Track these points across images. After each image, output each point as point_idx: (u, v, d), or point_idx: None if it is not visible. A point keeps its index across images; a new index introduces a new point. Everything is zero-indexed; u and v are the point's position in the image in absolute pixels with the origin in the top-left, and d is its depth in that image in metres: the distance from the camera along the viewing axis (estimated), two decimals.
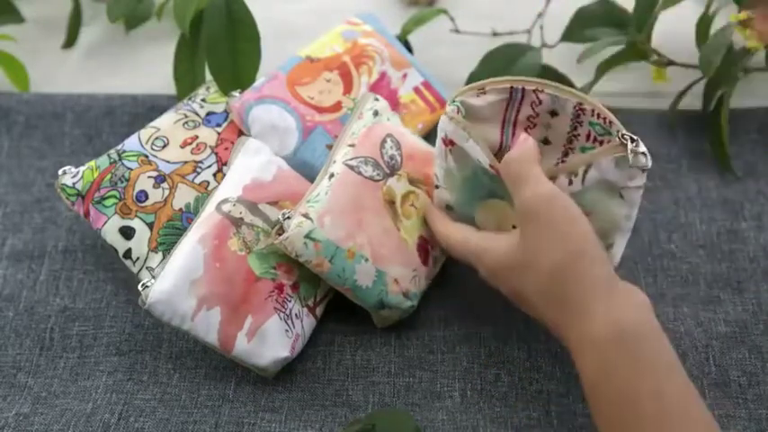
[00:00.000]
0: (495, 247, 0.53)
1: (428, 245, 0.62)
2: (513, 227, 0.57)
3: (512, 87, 0.54)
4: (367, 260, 0.58)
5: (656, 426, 0.43)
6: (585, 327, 0.46)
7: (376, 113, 0.64)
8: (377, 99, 0.65)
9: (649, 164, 0.52)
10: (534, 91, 0.53)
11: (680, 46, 0.74)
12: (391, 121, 0.65)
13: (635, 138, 0.51)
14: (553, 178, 0.53)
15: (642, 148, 0.51)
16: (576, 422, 0.57)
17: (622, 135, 0.51)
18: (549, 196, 0.49)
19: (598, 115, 0.53)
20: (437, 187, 0.60)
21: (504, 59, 0.74)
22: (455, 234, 0.57)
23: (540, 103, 0.54)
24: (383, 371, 0.60)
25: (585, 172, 0.53)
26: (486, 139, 0.55)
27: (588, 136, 0.54)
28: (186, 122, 0.66)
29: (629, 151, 0.51)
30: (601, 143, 0.54)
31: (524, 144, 0.52)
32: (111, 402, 0.59)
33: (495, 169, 0.54)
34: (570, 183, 0.53)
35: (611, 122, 0.52)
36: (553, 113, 0.54)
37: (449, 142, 0.56)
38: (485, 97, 0.55)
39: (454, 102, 0.55)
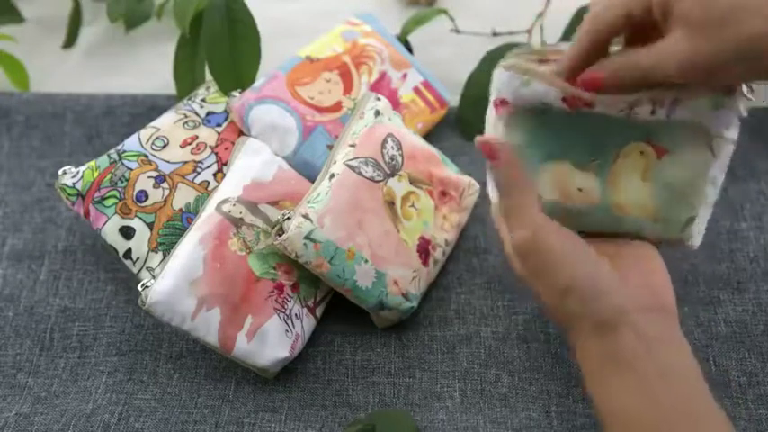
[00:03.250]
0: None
1: (428, 246, 0.62)
2: (579, 189, 0.51)
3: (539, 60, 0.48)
4: (367, 261, 0.58)
5: None
6: (581, 348, 0.48)
7: (377, 113, 0.64)
8: (378, 99, 0.65)
9: (744, 112, 0.47)
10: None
11: None
12: (393, 121, 0.65)
13: (740, 86, 0.46)
14: (633, 104, 0.47)
15: (748, 94, 0.46)
16: (577, 422, 0.57)
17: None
18: (533, 239, 0.47)
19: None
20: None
21: None
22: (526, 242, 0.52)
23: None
24: (383, 371, 0.60)
25: (674, 105, 0.46)
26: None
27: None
28: (186, 122, 0.66)
29: (726, 94, 0.45)
30: None
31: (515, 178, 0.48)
32: (111, 402, 0.59)
33: (569, 98, 0.47)
34: (653, 113, 0.47)
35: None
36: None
37: (500, 103, 0.49)
38: (547, 66, 0.48)
39: (510, 58, 0.48)
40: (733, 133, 0.48)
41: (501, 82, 0.49)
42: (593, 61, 0.45)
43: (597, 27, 0.45)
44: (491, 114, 0.51)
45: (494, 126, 0.51)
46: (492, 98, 0.50)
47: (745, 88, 0.46)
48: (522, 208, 0.48)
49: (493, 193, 0.52)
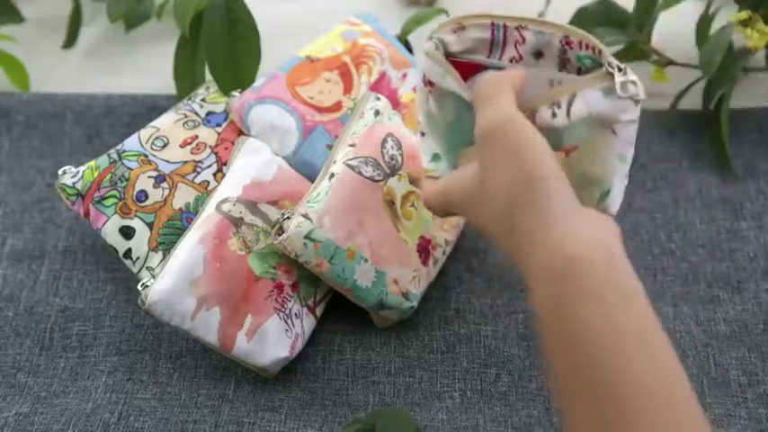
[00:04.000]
0: (459, 178, 0.49)
1: (429, 245, 0.62)
2: None
3: (493, 24, 0.50)
4: (366, 260, 0.58)
5: (609, 355, 0.39)
6: (536, 258, 0.42)
7: (377, 113, 0.64)
8: (378, 98, 0.65)
9: (641, 94, 0.47)
10: (517, 28, 0.50)
11: (680, 46, 0.74)
12: (392, 121, 0.65)
13: (622, 66, 0.47)
14: (533, 111, 0.48)
15: (631, 76, 0.47)
16: None
17: (609, 64, 0.47)
18: (507, 119, 0.44)
19: (586, 46, 0.48)
20: (423, 135, 0.56)
21: None
22: (431, 187, 0.52)
23: (524, 41, 0.50)
24: (383, 371, 0.60)
25: (570, 103, 0.47)
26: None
27: (579, 72, 0.50)
28: (186, 122, 0.66)
29: (616, 80, 0.46)
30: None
31: (508, 71, 0.48)
32: (110, 402, 0.59)
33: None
34: (554, 115, 0.48)
35: (600, 52, 0.48)
36: (538, 54, 0.51)
37: (428, 83, 0.52)
38: (464, 34, 0.51)
39: (432, 38, 0.51)
40: (631, 115, 0.48)
41: (426, 65, 0.52)
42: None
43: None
44: (421, 87, 0.53)
45: (426, 100, 0.54)
46: (420, 76, 0.53)
47: (626, 74, 0.47)
48: (499, 92, 0.46)
49: (425, 159, 0.57)
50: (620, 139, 0.50)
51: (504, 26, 0.50)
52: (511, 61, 0.51)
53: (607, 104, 0.48)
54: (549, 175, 0.43)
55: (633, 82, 0.47)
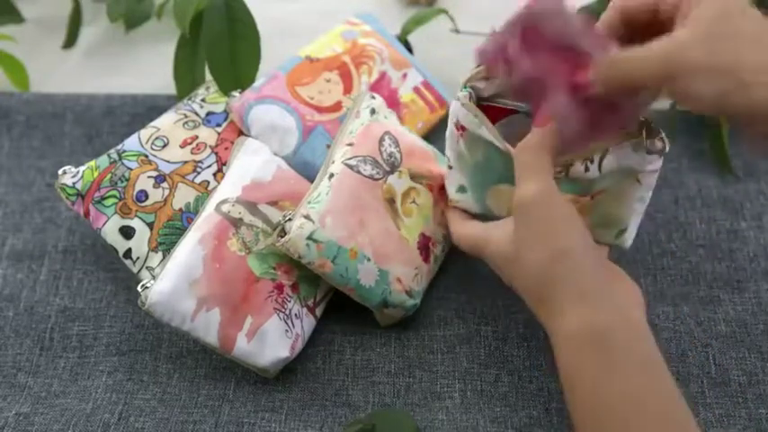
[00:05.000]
0: (496, 237, 0.53)
1: (429, 242, 0.62)
2: None
3: None
4: (369, 260, 0.58)
5: (628, 427, 0.43)
6: (564, 325, 0.46)
7: (373, 111, 0.64)
8: (373, 97, 0.65)
9: (668, 148, 0.52)
10: None
11: None
12: (388, 119, 0.65)
13: (651, 122, 0.51)
14: (568, 165, 0.52)
15: (660, 132, 0.51)
16: None
17: (642, 120, 0.51)
18: (545, 195, 0.48)
19: None
20: (450, 168, 0.60)
21: None
22: (466, 230, 0.57)
23: None
24: (383, 371, 0.60)
25: (602, 159, 0.52)
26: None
27: None
28: (186, 122, 0.66)
29: (644, 137, 0.51)
30: None
31: (542, 131, 0.49)
32: (111, 402, 0.59)
33: (509, 152, 0.53)
34: (587, 169, 0.53)
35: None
36: None
37: (460, 128, 0.56)
38: (494, 79, 0.54)
39: (465, 87, 0.54)
40: (656, 165, 0.54)
41: (460, 113, 0.55)
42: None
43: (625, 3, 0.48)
44: (453, 131, 0.57)
45: (456, 141, 0.57)
46: (452, 120, 0.56)
47: (656, 131, 0.52)
48: (539, 164, 0.48)
49: (451, 189, 0.60)
50: (642, 185, 0.54)
51: None
52: None
53: (635, 158, 0.52)
54: (580, 251, 0.47)
55: (661, 138, 0.51)
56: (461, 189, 0.60)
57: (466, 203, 0.60)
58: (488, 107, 0.56)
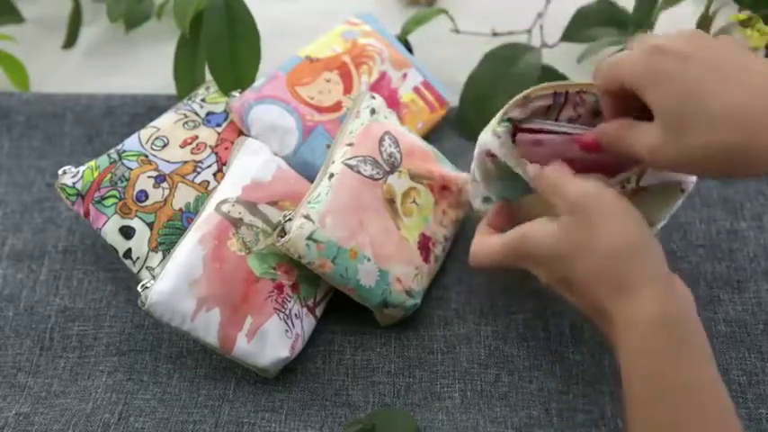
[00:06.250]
0: (535, 233, 0.50)
1: (429, 242, 0.62)
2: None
3: (555, 92, 0.53)
4: (369, 260, 0.58)
5: (686, 412, 0.44)
6: (632, 307, 0.46)
7: (373, 111, 0.64)
8: (373, 97, 0.65)
9: None
10: (578, 93, 0.53)
11: None
12: (388, 119, 0.65)
13: None
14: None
15: None
16: (577, 419, 0.57)
17: None
18: (597, 190, 0.48)
19: None
20: (474, 181, 0.59)
21: (504, 59, 0.74)
22: (493, 241, 0.54)
23: (583, 102, 0.53)
24: (383, 371, 0.60)
25: (639, 178, 0.52)
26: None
27: None
28: (186, 122, 0.66)
29: None
30: None
31: (558, 165, 0.51)
32: (111, 402, 0.59)
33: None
34: (623, 187, 0.53)
35: None
36: (596, 114, 0.53)
37: (489, 155, 0.55)
38: (529, 105, 0.53)
39: (504, 121, 0.53)
40: (694, 178, 0.54)
41: (492, 143, 0.54)
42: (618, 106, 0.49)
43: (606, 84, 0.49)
44: (481, 156, 0.56)
45: (483, 162, 0.56)
46: (481, 149, 0.55)
47: None
48: (567, 176, 0.49)
49: (476, 201, 0.60)
50: (684, 193, 0.55)
51: (566, 92, 0.53)
52: (569, 120, 0.54)
53: (675, 174, 0.53)
54: (648, 240, 0.47)
55: None
56: (487, 200, 0.60)
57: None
58: (518, 129, 0.55)
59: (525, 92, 0.53)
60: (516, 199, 0.57)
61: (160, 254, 0.60)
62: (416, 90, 0.72)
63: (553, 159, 0.52)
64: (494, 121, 0.54)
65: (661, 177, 0.53)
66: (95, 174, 0.62)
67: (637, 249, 0.47)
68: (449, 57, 0.80)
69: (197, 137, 0.65)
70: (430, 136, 0.73)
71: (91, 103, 0.76)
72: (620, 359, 0.47)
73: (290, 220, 0.57)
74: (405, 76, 0.72)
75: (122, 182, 0.61)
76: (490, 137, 0.54)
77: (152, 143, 0.64)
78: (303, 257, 0.56)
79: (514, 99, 0.53)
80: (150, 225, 0.60)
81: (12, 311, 0.64)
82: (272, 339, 0.57)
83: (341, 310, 0.62)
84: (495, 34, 0.81)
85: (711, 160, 0.43)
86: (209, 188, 0.62)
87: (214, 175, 0.63)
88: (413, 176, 0.62)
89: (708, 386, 0.44)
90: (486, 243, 0.55)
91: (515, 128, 0.54)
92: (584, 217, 0.48)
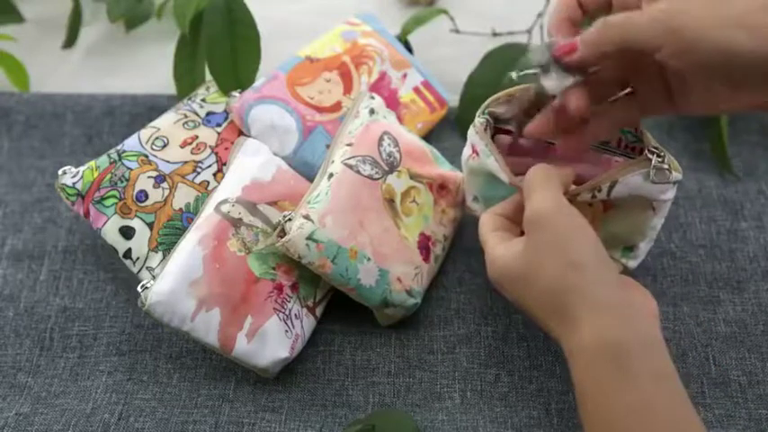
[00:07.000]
0: (502, 256, 0.51)
1: (429, 242, 0.62)
2: None
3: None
4: (369, 259, 0.58)
5: None
6: (573, 336, 0.46)
7: (372, 111, 0.64)
8: (372, 97, 0.65)
9: (678, 177, 0.51)
10: None
11: None
12: (387, 119, 0.65)
13: (662, 152, 0.51)
14: (575, 195, 0.52)
15: (666, 163, 0.51)
16: (577, 419, 0.57)
17: (649, 149, 0.51)
18: (556, 207, 0.48)
19: None
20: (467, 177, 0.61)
21: (504, 59, 0.74)
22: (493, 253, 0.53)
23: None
24: (383, 371, 0.60)
25: (611, 188, 0.51)
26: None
27: (619, 143, 0.55)
28: (186, 122, 0.66)
29: (651, 166, 0.50)
30: (633, 149, 0.54)
31: (560, 169, 0.51)
32: (111, 402, 0.59)
33: (514, 185, 0.53)
34: (593, 197, 0.52)
35: (642, 132, 0.52)
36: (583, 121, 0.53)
37: (474, 150, 0.56)
38: (514, 102, 0.54)
39: (484, 114, 0.54)
40: (670, 195, 0.53)
41: (475, 138, 0.55)
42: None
43: None
44: (468, 151, 0.57)
45: (467, 159, 0.57)
46: (470, 143, 0.57)
47: (663, 161, 0.51)
48: (549, 181, 0.49)
49: (468, 197, 0.60)
50: (657, 214, 0.54)
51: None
52: None
53: (648, 187, 0.52)
54: (594, 263, 0.46)
55: (668, 168, 0.51)
56: (476, 199, 0.61)
57: (480, 212, 0.59)
58: (505, 130, 0.56)
59: (510, 89, 0.53)
60: (497, 200, 0.56)
61: (160, 254, 0.60)
62: (416, 90, 0.72)
63: (530, 163, 0.52)
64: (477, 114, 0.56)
65: (633, 190, 0.52)
66: (95, 174, 0.62)
67: (581, 276, 0.46)
68: (449, 57, 0.80)
69: (197, 137, 0.65)
70: (430, 136, 0.73)
71: (91, 103, 0.76)
72: (574, 386, 0.47)
73: (289, 220, 0.57)
74: (405, 76, 0.72)
75: (122, 182, 0.61)
76: (471, 130, 0.55)
77: (152, 143, 0.64)
78: (303, 257, 0.56)
79: (498, 94, 0.54)
80: (150, 225, 0.60)
81: (12, 311, 0.64)
82: (271, 339, 0.57)
83: (341, 310, 0.62)
84: (495, 34, 0.81)
85: (717, 49, 0.41)
86: (209, 188, 0.62)
87: (214, 175, 0.63)
88: (412, 176, 0.63)
89: (659, 407, 0.43)
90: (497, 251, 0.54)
91: (495, 129, 0.55)
92: (537, 237, 0.48)
